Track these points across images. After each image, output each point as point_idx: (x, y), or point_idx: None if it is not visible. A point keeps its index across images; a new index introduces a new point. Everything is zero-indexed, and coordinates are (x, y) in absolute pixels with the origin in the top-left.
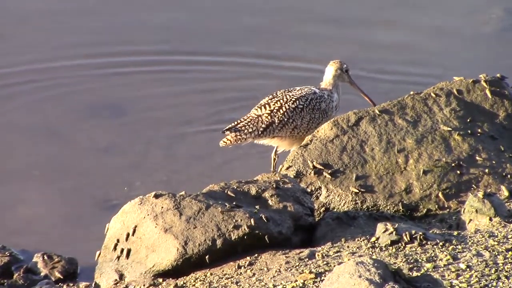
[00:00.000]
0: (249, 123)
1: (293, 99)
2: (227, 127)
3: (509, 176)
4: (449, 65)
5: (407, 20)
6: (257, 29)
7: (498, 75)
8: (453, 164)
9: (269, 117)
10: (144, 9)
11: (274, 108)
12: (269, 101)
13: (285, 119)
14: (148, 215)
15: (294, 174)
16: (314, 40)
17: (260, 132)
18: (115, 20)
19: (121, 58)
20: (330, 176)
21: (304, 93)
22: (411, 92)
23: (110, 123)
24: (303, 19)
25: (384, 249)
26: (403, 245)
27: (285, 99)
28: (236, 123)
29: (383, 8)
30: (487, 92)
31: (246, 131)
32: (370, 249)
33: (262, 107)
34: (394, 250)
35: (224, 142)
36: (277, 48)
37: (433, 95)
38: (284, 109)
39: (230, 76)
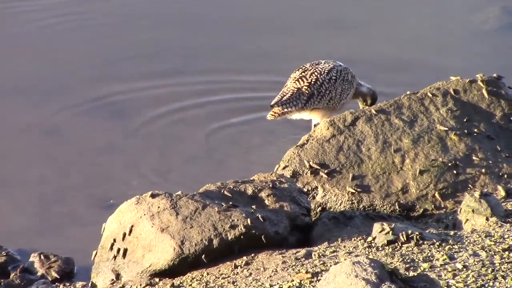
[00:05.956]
0: (292, 96)
1: (326, 71)
2: (274, 102)
3: (505, 176)
4: (446, 65)
5: (404, 19)
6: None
7: (495, 74)
8: (449, 164)
9: (308, 89)
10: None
11: (311, 80)
12: (303, 73)
13: (323, 91)
14: (144, 214)
15: (291, 174)
16: (313, 39)
17: (303, 105)
18: (115, 20)
19: (120, 58)
20: (326, 176)
21: (333, 65)
22: (408, 92)
23: (108, 123)
24: (300, 20)
25: (380, 249)
26: (400, 245)
27: (318, 71)
28: (280, 96)
29: (382, 7)
30: (484, 92)
31: (291, 103)
32: (367, 249)
33: (300, 80)
34: (390, 250)
35: (271, 115)
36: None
37: (429, 95)
38: (320, 81)
39: (228, 75)
